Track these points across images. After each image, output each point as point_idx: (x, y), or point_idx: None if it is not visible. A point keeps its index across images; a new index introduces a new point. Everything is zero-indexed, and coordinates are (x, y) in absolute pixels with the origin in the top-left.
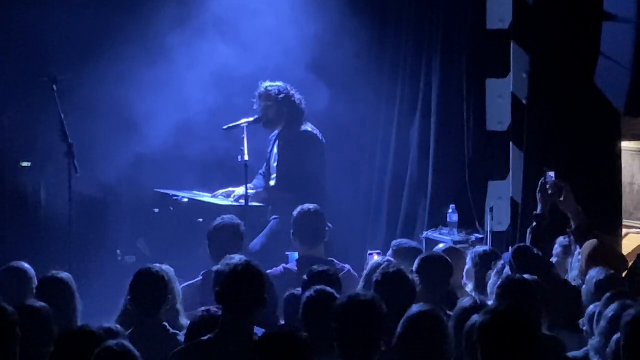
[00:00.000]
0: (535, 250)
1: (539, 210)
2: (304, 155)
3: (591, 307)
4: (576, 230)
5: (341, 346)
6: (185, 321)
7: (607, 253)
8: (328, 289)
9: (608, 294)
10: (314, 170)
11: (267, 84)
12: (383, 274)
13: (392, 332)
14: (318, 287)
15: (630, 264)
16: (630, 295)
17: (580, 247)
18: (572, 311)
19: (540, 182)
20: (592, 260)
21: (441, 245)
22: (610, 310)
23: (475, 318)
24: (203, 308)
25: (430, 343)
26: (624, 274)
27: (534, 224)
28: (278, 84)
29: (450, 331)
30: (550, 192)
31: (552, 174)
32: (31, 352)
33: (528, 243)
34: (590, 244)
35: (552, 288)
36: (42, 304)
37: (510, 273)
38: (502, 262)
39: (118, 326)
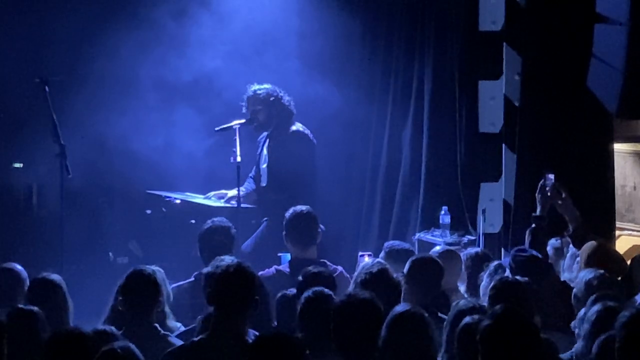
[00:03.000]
0: (535, 253)
1: (537, 212)
2: (294, 155)
3: (582, 310)
4: (574, 233)
5: (339, 345)
6: (173, 323)
7: (606, 255)
8: (326, 290)
9: (593, 297)
10: (305, 170)
11: (255, 87)
12: (366, 274)
13: None
14: (317, 288)
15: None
16: (618, 297)
17: (578, 250)
18: (570, 312)
19: (539, 184)
20: (591, 262)
21: (437, 248)
22: (592, 313)
23: (467, 320)
24: None
25: (414, 343)
26: (622, 276)
27: (533, 225)
28: (266, 86)
29: (444, 333)
30: (549, 194)
31: (551, 176)
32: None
33: (527, 244)
34: (589, 245)
35: (552, 290)
36: (34, 307)
37: (509, 274)
38: (494, 263)
39: (113, 328)
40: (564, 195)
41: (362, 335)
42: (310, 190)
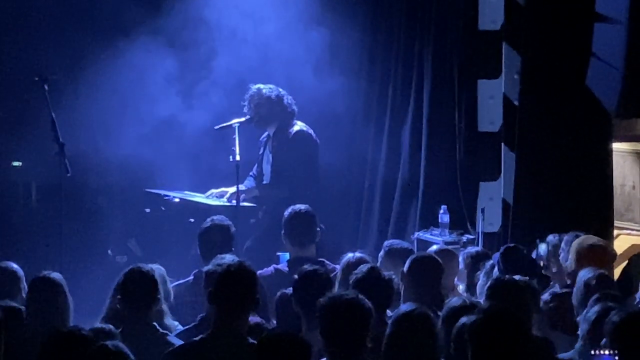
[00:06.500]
0: (525, 251)
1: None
2: (298, 154)
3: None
4: None
5: (328, 344)
6: (171, 322)
7: (595, 249)
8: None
9: (595, 296)
10: (308, 169)
11: (258, 86)
12: (357, 274)
13: None
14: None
15: (624, 265)
16: (618, 297)
17: None
18: (570, 312)
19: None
20: (581, 257)
21: (434, 247)
22: (592, 313)
23: (464, 319)
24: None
25: (420, 342)
26: (615, 270)
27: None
28: (269, 86)
29: (439, 331)
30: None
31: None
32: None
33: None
34: (578, 240)
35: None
36: (16, 304)
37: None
38: (490, 262)
39: (111, 326)
40: None
41: (349, 334)
42: (313, 189)
